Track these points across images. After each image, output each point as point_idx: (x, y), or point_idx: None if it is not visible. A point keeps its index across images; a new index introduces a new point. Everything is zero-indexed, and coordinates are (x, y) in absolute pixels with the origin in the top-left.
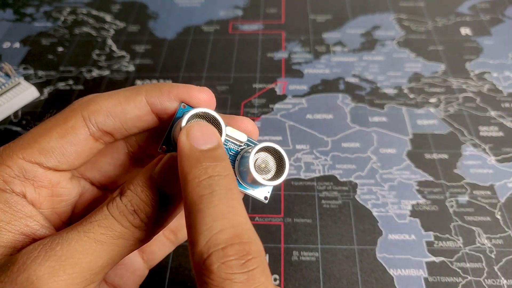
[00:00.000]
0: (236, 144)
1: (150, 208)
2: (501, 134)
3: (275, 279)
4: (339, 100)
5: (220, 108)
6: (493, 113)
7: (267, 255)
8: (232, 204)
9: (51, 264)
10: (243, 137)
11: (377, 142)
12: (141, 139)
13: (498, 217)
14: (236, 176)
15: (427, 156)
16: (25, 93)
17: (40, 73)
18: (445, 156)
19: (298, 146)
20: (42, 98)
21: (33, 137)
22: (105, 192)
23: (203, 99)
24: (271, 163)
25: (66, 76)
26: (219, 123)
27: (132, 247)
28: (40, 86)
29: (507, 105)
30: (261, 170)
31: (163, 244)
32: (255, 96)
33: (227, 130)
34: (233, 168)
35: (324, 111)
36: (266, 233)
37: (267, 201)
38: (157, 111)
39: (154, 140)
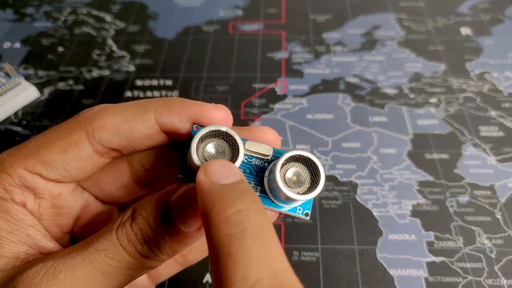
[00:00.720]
0: (261, 159)
1: (161, 239)
2: (501, 134)
3: None
4: (339, 100)
5: None
6: (493, 113)
7: None
8: (268, 245)
9: None
10: (267, 150)
11: (377, 142)
12: (145, 162)
13: (498, 217)
14: (268, 195)
15: (428, 156)
16: (25, 93)
17: (41, 73)
18: (445, 156)
19: (298, 146)
20: (43, 98)
21: (35, 147)
22: (109, 206)
23: (218, 119)
24: (304, 173)
25: (66, 76)
26: (235, 139)
27: (139, 275)
28: (40, 86)
29: (507, 105)
30: (293, 183)
31: (171, 265)
32: (255, 96)
33: (247, 145)
34: (264, 187)
35: (324, 111)
36: None
37: (308, 217)
38: (167, 131)
39: (161, 159)
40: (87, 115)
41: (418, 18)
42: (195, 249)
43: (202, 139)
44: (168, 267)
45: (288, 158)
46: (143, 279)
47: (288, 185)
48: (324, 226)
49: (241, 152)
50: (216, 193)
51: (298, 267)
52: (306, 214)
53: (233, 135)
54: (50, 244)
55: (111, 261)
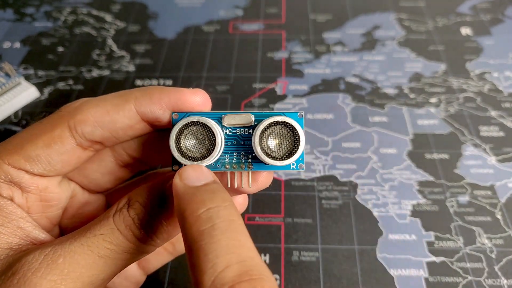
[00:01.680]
0: (245, 128)
1: (158, 224)
2: (501, 134)
3: (275, 279)
4: (340, 100)
5: (220, 108)
6: (493, 113)
7: (267, 255)
8: (235, 236)
9: (52, 278)
10: (247, 120)
11: (377, 142)
12: (127, 147)
13: (499, 217)
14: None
15: (428, 156)
16: (25, 93)
17: (40, 73)
18: (445, 156)
19: None
20: (42, 98)
21: (19, 143)
22: (96, 196)
23: (196, 103)
24: (285, 134)
25: (66, 76)
26: (208, 127)
27: (135, 259)
28: (40, 86)
29: (507, 105)
30: (277, 146)
31: (160, 254)
32: (255, 96)
33: (227, 120)
34: (254, 153)
35: (324, 111)
36: (266, 233)
37: (303, 169)
38: (149, 120)
39: (143, 144)
40: (69, 109)
41: (418, 18)
42: None
43: (180, 132)
44: (159, 257)
45: (265, 126)
46: (134, 269)
47: (269, 152)
48: (324, 226)
49: (218, 137)
50: (189, 195)
51: (298, 267)
52: (300, 167)
53: (206, 122)
54: (42, 235)
55: (108, 245)
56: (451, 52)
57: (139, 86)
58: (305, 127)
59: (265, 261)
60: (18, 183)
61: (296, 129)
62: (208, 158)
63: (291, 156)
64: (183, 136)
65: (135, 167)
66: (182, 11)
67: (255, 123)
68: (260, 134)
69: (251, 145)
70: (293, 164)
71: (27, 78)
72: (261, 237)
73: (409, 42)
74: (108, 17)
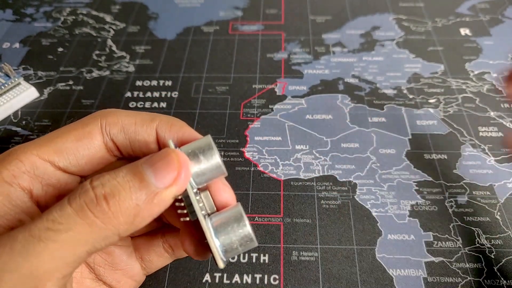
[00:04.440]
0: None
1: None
2: (500, 134)
3: (274, 279)
4: (339, 101)
5: (220, 108)
6: (492, 114)
7: (266, 255)
8: None
9: None
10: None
11: (376, 143)
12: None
13: (498, 217)
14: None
15: (427, 156)
16: (25, 94)
17: (40, 73)
18: (444, 156)
19: (297, 147)
20: (42, 98)
21: (50, 138)
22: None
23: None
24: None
25: (66, 76)
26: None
27: (106, 242)
28: (40, 87)
29: (506, 105)
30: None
31: (162, 255)
32: (255, 96)
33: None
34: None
35: (323, 112)
36: (265, 233)
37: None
38: (161, 144)
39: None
40: (103, 112)
41: (417, 19)
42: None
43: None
44: (160, 258)
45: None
46: (137, 268)
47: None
48: (323, 226)
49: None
50: None
51: (297, 267)
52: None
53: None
54: None
55: (52, 225)
56: (450, 53)
57: (139, 87)
58: (305, 127)
59: (264, 261)
60: (42, 175)
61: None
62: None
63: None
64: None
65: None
66: (182, 11)
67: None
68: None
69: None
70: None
71: (27, 78)
72: (260, 237)
73: (408, 43)
74: (108, 18)
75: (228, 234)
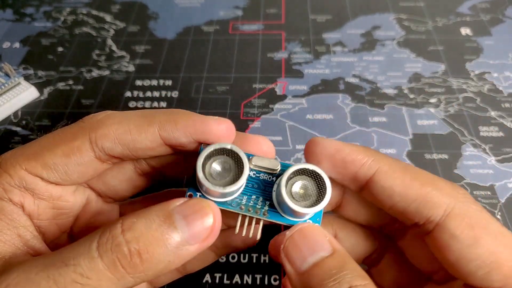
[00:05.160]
0: (269, 174)
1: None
2: (501, 134)
3: (275, 279)
4: (339, 100)
5: (220, 108)
6: (493, 113)
7: (267, 255)
8: None
9: None
10: (275, 165)
11: (377, 143)
12: (149, 159)
13: (498, 217)
14: (277, 209)
15: (427, 156)
16: (25, 93)
17: (40, 73)
18: (445, 156)
19: (298, 146)
20: (42, 98)
21: (38, 149)
22: (111, 205)
23: (221, 133)
24: (310, 186)
25: (66, 76)
26: (240, 157)
27: None
28: (40, 86)
29: (507, 105)
30: (300, 197)
31: (170, 273)
32: (255, 96)
33: (254, 161)
34: (272, 201)
35: (324, 111)
36: (265, 233)
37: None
38: (171, 145)
39: (165, 157)
40: (92, 121)
41: (418, 18)
42: (195, 259)
43: (208, 157)
44: (167, 274)
45: (293, 172)
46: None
47: (294, 199)
48: None
49: (246, 169)
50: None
51: None
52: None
53: (238, 152)
54: (39, 245)
55: (81, 279)
56: (450, 52)
57: (139, 86)
58: (305, 127)
59: (264, 261)
60: (32, 189)
61: (324, 182)
62: (231, 186)
63: (313, 206)
64: (211, 160)
65: (155, 176)
66: (182, 11)
67: (280, 172)
68: (287, 178)
69: (271, 193)
70: (312, 218)
71: (27, 78)
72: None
73: (409, 42)
74: (108, 17)
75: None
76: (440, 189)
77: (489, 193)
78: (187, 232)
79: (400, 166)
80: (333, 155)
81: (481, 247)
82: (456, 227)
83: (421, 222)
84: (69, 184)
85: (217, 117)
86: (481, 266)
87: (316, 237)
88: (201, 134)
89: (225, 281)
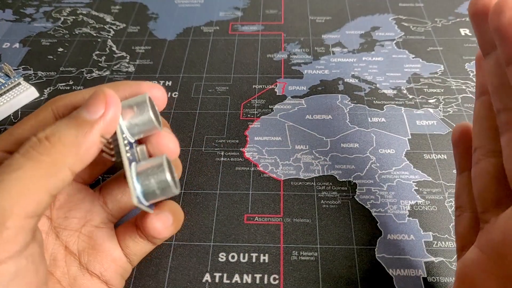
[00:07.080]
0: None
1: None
2: None
3: (274, 279)
4: (338, 101)
5: (219, 108)
6: None
7: (266, 255)
8: None
9: None
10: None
11: (376, 143)
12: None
13: None
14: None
15: (426, 156)
16: (25, 94)
17: (40, 73)
18: (444, 156)
19: (297, 147)
20: (42, 98)
21: (8, 131)
22: (85, 186)
23: (154, 95)
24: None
25: (66, 77)
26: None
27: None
28: (40, 87)
29: None
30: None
31: (138, 241)
32: (255, 96)
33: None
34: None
35: (323, 112)
36: (265, 233)
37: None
38: None
39: None
40: (51, 100)
41: (417, 19)
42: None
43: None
44: (135, 242)
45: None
46: (117, 251)
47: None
48: (323, 226)
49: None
50: None
51: (297, 267)
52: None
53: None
54: None
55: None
56: (450, 53)
57: None
58: (305, 127)
59: (264, 261)
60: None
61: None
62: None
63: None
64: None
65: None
66: (182, 11)
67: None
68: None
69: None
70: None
71: (27, 78)
72: (260, 237)
73: (408, 43)
74: (108, 18)
75: (147, 176)
76: None
77: None
78: (84, 109)
79: None
80: None
81: None
82: None
83: None
84: None
85: (150, 82)
86: None
87: None
88: (135, 94)
89: (225, 281)
